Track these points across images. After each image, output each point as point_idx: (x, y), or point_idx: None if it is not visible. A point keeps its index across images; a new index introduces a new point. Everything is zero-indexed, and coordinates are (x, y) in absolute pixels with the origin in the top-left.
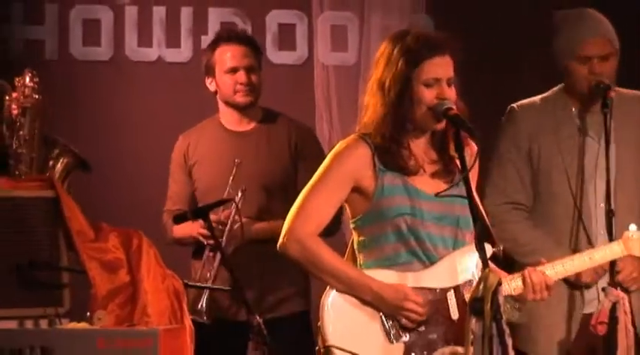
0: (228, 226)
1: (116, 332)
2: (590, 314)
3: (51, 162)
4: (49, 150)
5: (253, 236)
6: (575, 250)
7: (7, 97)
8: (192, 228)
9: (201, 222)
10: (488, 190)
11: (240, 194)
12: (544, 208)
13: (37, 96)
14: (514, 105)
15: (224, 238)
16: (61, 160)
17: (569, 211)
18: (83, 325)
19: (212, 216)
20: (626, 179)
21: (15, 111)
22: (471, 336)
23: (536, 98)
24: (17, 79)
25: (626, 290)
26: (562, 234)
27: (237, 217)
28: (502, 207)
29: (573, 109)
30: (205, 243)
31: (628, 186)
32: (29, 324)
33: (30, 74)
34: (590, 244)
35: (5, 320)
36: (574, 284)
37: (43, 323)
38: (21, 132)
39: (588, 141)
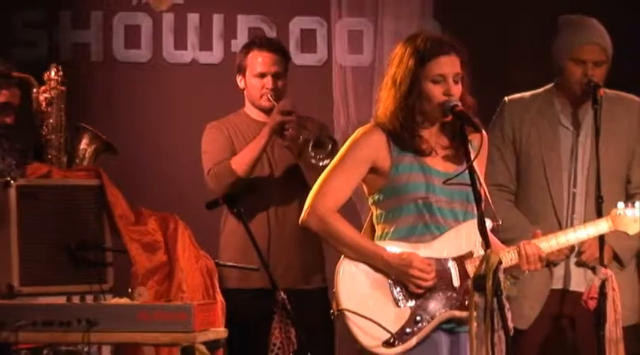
0: (293, 116)
1: (154, 306)
2: (558, 290)
3: (81, 147)
4: (80, 137)
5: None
6: (545, 231)
7: (34, 90)
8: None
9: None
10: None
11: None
12: (523, 191)
13: (62, 88)
14: (506, 98)
15: (291, 127)
16: (90, 145)
17: (544, 195)
18: (125, 300)
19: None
20: (604, 168)
21: (43, 102)
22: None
23: (527, 93)
24: (45, 74)
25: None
26: (536, 215)
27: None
28: (489, 188)
29: (557, 105)
30: (283, 131)
31: (606, 174)
32: (76, 299)
33: (55, 68)
34: (560, 226)
35: (55, 296)
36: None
37: (89, 299)
38: (50, 120)
39: (566, 134)
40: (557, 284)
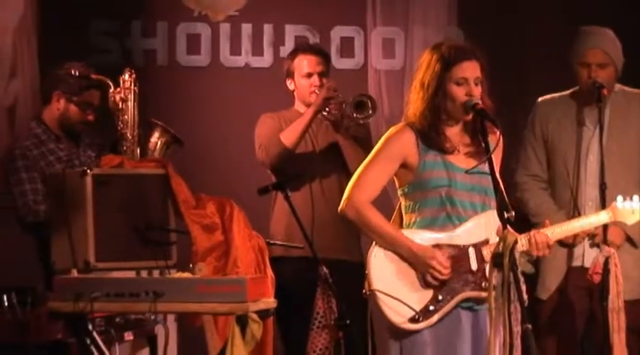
0: (339, 93)
1: (213, 280)
2: (576, 267)
3: (152, 140)
4: (151, 131)
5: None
6: (568, 215)
7: (110, 90)
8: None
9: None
10: (517, 166)
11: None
12: (551, 181)
13: (134, 88)
14: (539, 99)
15: (335, 102)
16: (160, 139)
17: (565, 185)
18: (187, 274)
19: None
20: (617, 161)
21: (119, 101)
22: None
23: (556, 95)
24: (120, 76)
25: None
26: (561, 201)
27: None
28: (524, 178)
29: (577, 105)
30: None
31: (618, 166)
32: (144, 274)
33: (129, 72)
34: (578, 212)
35: (126, 271)
36: (564, 243)
37: (156, 273)
38: (125, 117)
39: (585, 131)
40: (577, 262)
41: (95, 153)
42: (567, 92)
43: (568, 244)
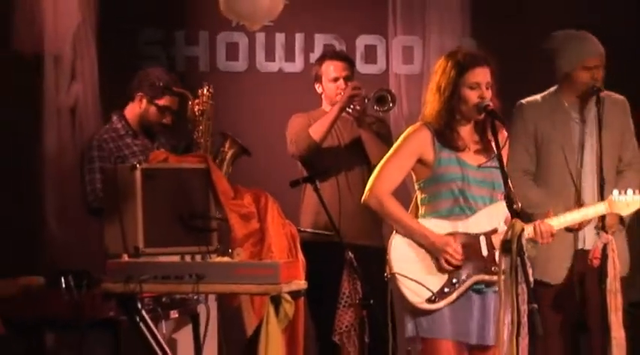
0: (363, 91)
1: (249, 263)
2: (582, 249)
3: (223, 150)
4: (223, 141)
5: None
6: (565, 205)
7: (189, 102)
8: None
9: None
10: (507, 161)
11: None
12: (544, 174)
13: (211, 102)
14: (522, 101)
15: (359, 100)
16: (230, 149)
17: (564, 173)
18: (226, 259)
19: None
20: (607, 152)
21: (197, 112)
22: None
23: (538, 96)
24: (199, 90)
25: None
26: (557, 190)
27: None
28: (516, 174)
29: (565, 103)
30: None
31: (608, 156)
32: (188, 258)
33: (207, 86)
34: (578, 196)
35: (171, 255)
36: (570, 229)
37: (198, 258)
38: (201, 127)
39: (575, 125)
40: (580, 245)
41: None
42: (546, 93)
43: (573, 229)
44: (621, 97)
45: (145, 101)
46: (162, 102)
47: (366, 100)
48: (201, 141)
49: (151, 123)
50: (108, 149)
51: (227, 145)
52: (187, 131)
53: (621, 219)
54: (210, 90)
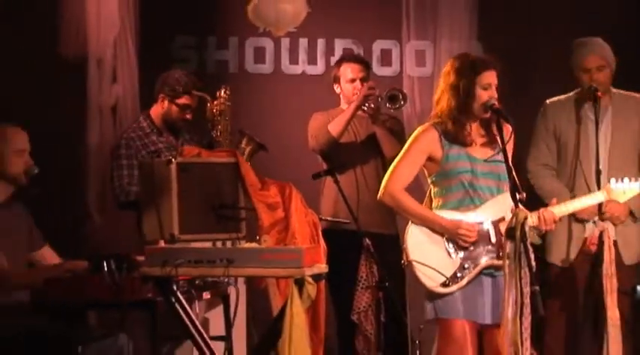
0: (377, 90)
1: (275, 249)
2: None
3: (241, 146)
4: (241, 139)
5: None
6: (579, 195)
7: (208, 104)
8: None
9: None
10: (529, 157)
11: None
12: (562, 168)
13: (228, 103)
14: (547, 101)
15: (373, 98)
16: (248, 146)
17: (578, 170)
18: (254, 245)
19: (369, 84)
20: (617, 151)
21: (216, 113)
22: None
23: (562, 96)
24: (217, 92)
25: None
26: (572, 184)
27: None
28: (536, 167)
29: (585, 104)
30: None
31: (620, 155)
32: (219, 244)
33: (224, 88)
34: (589, 192)
35: (204, 242)
36: (577, 219)
37: (228, 244)
38: (219, 126)
39: (591, 126)
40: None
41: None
42: (571, 94)
43: (581, 219)
44: (638, 95)
45: (166, 101)
46: (181, 101)
47: (380, 99)
48: (220, 140)
49: (173, 121)
50: (135, 146)
51: (245, 142)
52: (207, 130)
53: (631, 212)
54: (228, 91)
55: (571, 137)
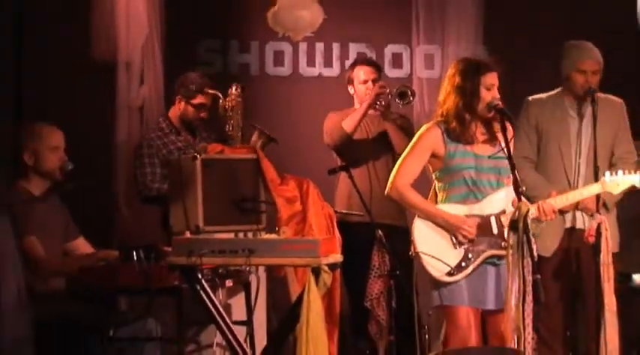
0: (387, 89)
1: (293, 240)
2: (573, 228)
3: (253, 139)
4: (252, 132)
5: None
6: (561, 188)
7: (220, 101)
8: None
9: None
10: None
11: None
12: (543, 162)
13: (239, 99)
14: (529, 98)
15: (384, 97)
16: (259, 139)
17: (558, 164)
18: (273, 236)
19: (380, 83)
20: (601, 146)
21: (228, 109)
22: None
23: (543, 94)
24: (229, 89)
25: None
26: (552, 177)
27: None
28: (517, 160)
29: (566, 102)
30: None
31: (602, 150)
32: (241, 235)
33: (235, 86)
34: (569, 185)
35: (227, 233)
36: (561, 211)
37: (250, 235)
38: (232, 121)
39: (573, 122)
40: (567, 224)
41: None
42: (552, 92)
43: (563, 211)
44: (618, 99)
45: (183, 102)
46: (196, 100)
47: (390, 96)
48: (232, 134)
49: (190, 120)
50: (156, 146)
51: (256, 135)
52: (221, 126)
53: (604, 203)
54: (239, 89)
55: (552, 132)
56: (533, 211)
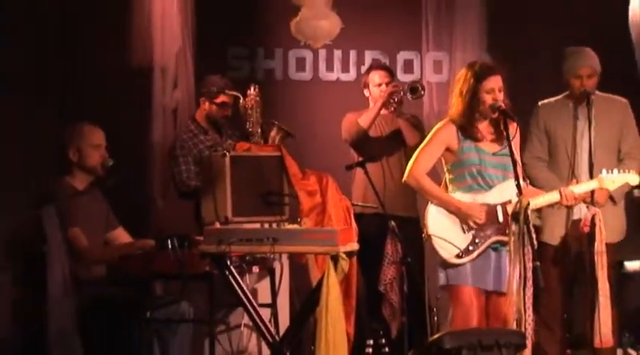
0: (400, 87)
1: (314, 230)
2: (577, 220)
3: (272, 135)
4: (271, 128)
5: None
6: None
7: (240, 101)
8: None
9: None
10: (524, 151)
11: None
12: (552, 160)
13: (258, 99)
14: (539, 102)
15: (397, 96)
16: (278, 134)
17: (565, 162)
18: (295, 226)
19: (393, 83)
20: (602, 145)
21: (248, 108)
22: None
23: (552, 99)
24: (248, 90)
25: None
26: (561, 175)
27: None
28: (530, 160)
29: (570, 104)
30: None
31: (604, 148)
32: (266, 225)
33: (253, 87)
34: (576, 181)
35: (253, 223)
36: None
37: (274, 225)
38: (252, 119)
39: (578, 123)
40: (575, 216)
41: (235, 141)
42: (561, 96)
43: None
44: (623, 99)
45: (207, 103)
46: (219, 100)
47: (402, 93)
48: (252, 130)
49: (215, 119)
50: (187, 146)
51: (274, 131)
52: (242, 123)
53: (611, 197)
54: (256, 89)
55: (560, 134)
56: (555, 196)
